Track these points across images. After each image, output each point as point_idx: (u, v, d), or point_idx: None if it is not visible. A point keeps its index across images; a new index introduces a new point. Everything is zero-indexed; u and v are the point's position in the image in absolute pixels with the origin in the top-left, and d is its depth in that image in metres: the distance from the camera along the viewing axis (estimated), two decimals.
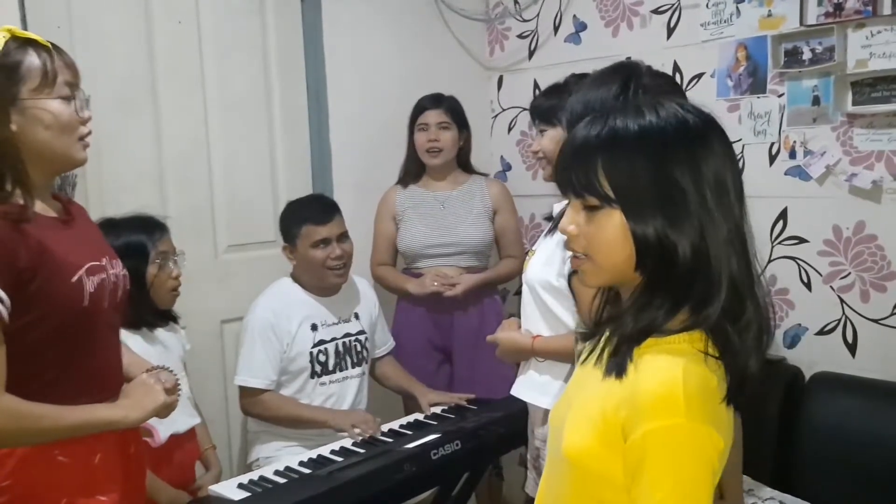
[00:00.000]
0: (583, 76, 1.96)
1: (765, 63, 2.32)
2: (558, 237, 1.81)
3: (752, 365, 0.97)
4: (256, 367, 2.26)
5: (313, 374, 2.32)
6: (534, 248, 1.89)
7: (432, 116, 2.60)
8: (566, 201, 1.85)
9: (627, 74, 1.51)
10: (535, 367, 1.85)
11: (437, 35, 3.01)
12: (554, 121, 1.83)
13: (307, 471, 1.95)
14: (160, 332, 2.02)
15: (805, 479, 2.13)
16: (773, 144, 2.35)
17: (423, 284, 2.56)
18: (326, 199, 2.43)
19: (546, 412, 1.83)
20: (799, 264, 2.33)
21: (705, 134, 0.99)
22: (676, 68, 2.54)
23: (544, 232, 1.92)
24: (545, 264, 1.79)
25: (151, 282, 1.94)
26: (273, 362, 2.27)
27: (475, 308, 2.64)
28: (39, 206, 1.38)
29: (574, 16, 2.86)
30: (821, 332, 2.31)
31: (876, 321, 2.21)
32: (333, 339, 2.36)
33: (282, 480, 1.90)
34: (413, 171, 2.69)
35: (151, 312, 1.98)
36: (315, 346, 2.32)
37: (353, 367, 2.40)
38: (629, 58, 2.62)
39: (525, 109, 3.06)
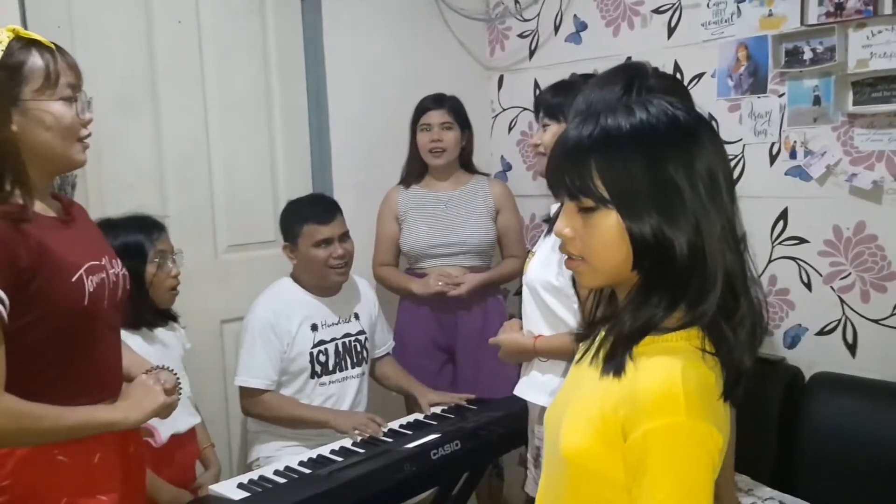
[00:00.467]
0: (588, 76, 1.96)
1: (765, 63, 2.32)
2: (554, 238, 1.81)
3: (747, 360, 0.97)
4: (257, 368, 2.26)
5: (313, 375, 2.32)
6: (534, 250, 1.89)
7: (435, 116, 2.60)
8: None
9: (632, 75, 1.50)
10: (538, 367, 1.85)
11: (438, 35, 3.01)
12: (560, 117, 1.84)
13: (307, 471, 1.95)
14: (160, 332, 2.02)
15: (805, 479, 2.13)
16: (773, 144, 2.35)
17: (427, 284, 2.56)
18: (328, 199, 2.43)
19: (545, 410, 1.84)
20: (799, 264, 2.33)
21: (696, 130, 0.99)
22: (677, 68, 2.54)
23: (543, 233, 1.92)
24: (544, 265, 1.80)
25: (150, 281, 1.94)
26: (273, 362, 2.27)
27: (479, 308, 2.64)
28: (39, 206, 1.38)
29: (575, 15, 2.85)
30: (821, 333, 2.31)
31: (876, 321, 2.21)
32: (333, 340, 2.36)
33: (282, 480, 1.90)
34: (415, 171, 2.69)
35: (151, 312, 1.98)
36: (315, 346, 2.32)
37: (352, 368, 2.40)
38: (629, 58, 2.66)
39: (526, 109, 3.06)
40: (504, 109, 3.15)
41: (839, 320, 2.28)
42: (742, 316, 0.97)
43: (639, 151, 0.96)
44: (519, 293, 3.13)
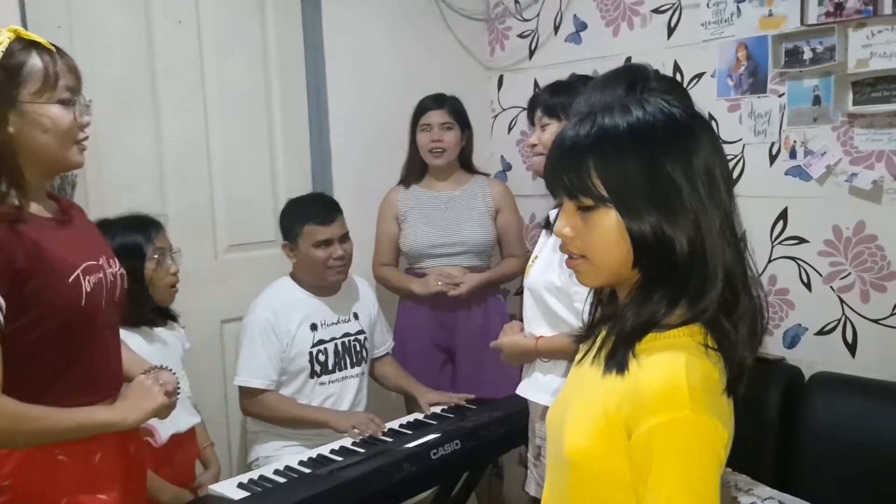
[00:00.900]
0: (586, 77, 1.96)
1: (765, 63, 2.32)
2: (555, 240, 1.81)
3: (749, 356, 0.98)
4: (256, 368, 2.26)
5: (313, 374, 2.32)
6: (535, 253, 1.89)
7: (435, 117, 2.60)
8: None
9: (633, 77, 1.50)
10: (540, 367, 1.86)
11: (438, 35, 3.01)
12: (560, 116, 1.83)
13: (307, 470, 1.95)
14: (160, 331, 2.02)
15: (804, 478, 2.13)
16: (773, 144, 2.35)
17: (427, 284, 2.56)
18: (329, 199, 2.43)
19: (546, 409, 1.84)
20: (799, 264, 2.33)
21: (692, 127, 0.99)
22: (677, 68, 2.54)
23: (543, 235, 1.92)
24: (546, 268, 1.80)
25: (150, 279, 1.94)
26: (273, 362, 2.27)
27: (479, 308, 2.64)
28: (35, 207, 1.38)
29: (574, 15, 2.85)
30: (821, 333, 2.31)
31: (876, 321, 2.21)
32: (333, 339, 2.36)
33: (281, 480, 1.90)
34: (415, 171, 2.69)
35: (151, 310, 1.98)
36: (314, 345, 2.32)
37: (352, 367, 2.40)
38: (629, 58, 2.66)
39: (525, 109, 3.05)
40: (504, 109, 3.15)
41: (839, 320, 2.28)
42: (742, 312, 0.97)
43: (636, 150, 0.96)
44: (519, 293, 3.14)
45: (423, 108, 2.63)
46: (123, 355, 1.56)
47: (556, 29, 2.92)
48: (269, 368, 2.26)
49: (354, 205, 2.56)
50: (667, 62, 2.52)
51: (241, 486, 1.87)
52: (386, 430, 2.18)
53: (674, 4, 2.56)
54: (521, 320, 1.91)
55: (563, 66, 2.80)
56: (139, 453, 1.56)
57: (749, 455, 1.64)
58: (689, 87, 2.49)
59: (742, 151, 2.40)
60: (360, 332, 2.43)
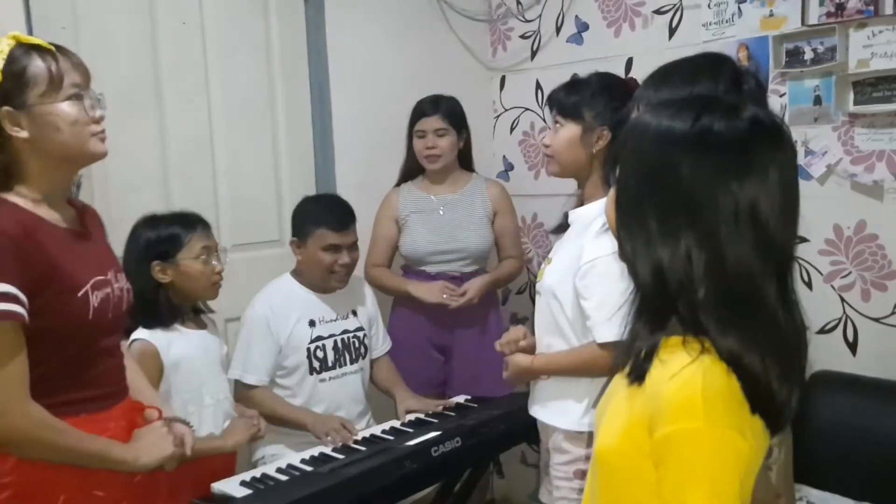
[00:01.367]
0: (606, 75, 1.92)
1: (766, 63, 2.32)
2: (569, 244, 1.80)
3: (782, 390, 0.93)
4: (251, 364, 2.28)
5: (311, 371, 2.33)
6: (550, 256, 1.87)
7: (429, 123, 2.58)
8: (581, 208, 1.82)
9: (737, 69, 1.39)
10: (542, 384, 1.86)
11: (440, 36, 3.02)
12: (575, 116, 1.79)
13: (309, 468, 1.96)
14: (201, 334, 2.04)
15: (804, 476, 2.12)
16: None
17: (433, 293, 2.55)
18: (346, 206, 2.40)
19: (546, 427, 1.85)
20: (800, 263, 2.33)
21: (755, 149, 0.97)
22: None
23: (557, 239, 1.90)
24: (558, 272, 1.78)
25: (189, 273, 1.95)
26: (267, 359, 2.29)
27: (476, 308, 2.63)
28: (54, 217, 1.40)
29: (576, 16, 2.86)
30: (821, 331, 2.31)
31: (876, 320, 2.22)
32: (331, 336, 2.37)
33: (284, 478, 1.91)
34: (413, 171, 2.70)
35: (179, 307, 1.99)
36: (312, 342, 2.33)
37: (351, 364, 2.41)
38: (631, 59, 2.67)
39: (528, 110, 3.07)
40: (506, 110, 3.16)
41: (840, 319, 2.28)
42: (760, 340, 0.93)
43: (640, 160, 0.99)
44: (520, 293, 3.15)
45: (418, 112, 2.62)
46: (137, 382, 1.60)
47: (558, 30, 2.93)
48: (262, 366, 2.28)
49: (358, 204, 2.56)
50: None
51: (243, 483, 1.88)
52: (358, 437, 2.16)
53: (675, 5, 2.57)
54: (524, 320, 1.92)
55: (564, 67, 2.82)
56: None
57: None
58: None
59: None
60: (360, 329, 2.44)
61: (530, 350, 1.85)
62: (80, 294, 1.37)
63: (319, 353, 2.35)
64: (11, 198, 1.36)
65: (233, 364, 2.29)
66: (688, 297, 0.94)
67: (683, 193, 0.93)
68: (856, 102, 2.18)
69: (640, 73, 2.06)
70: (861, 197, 2.21)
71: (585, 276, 1.68)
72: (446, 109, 2.60)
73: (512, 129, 3.14)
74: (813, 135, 2.28)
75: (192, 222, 1.99)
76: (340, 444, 2.11)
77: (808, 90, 2.27)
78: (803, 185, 2.32)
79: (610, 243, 1.46)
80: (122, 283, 1.52)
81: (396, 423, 2.30)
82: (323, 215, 2.32)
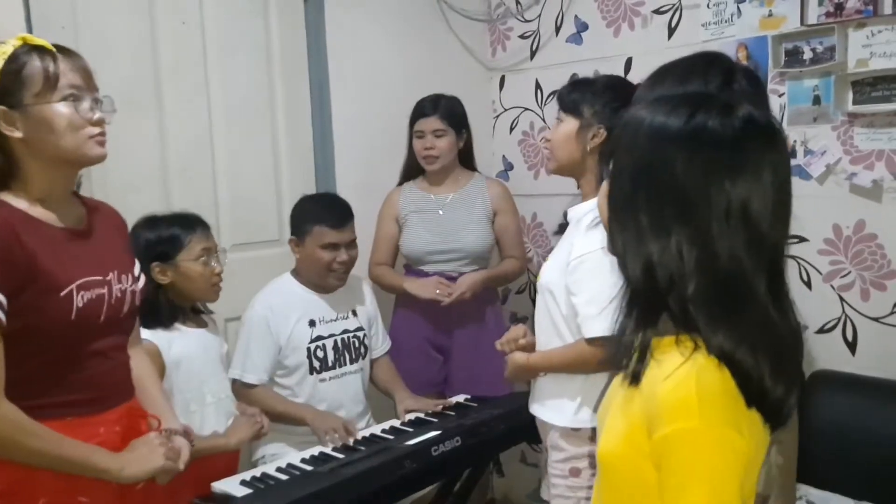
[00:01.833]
0: (614, 77, 1.92)
1: (765, 63, 2.33)
2: (565, 241, 1.81)
3: (776, 387, 0.93)
4: (250, 363, 2.28)
5: (311, 370, 2.34)
6: (550, 256, 1.89)
7: (427, 124, 2.58)
8: (577, 206, 1.84)
9: (729, 68, 1.39)
10: (541, 381, 1.88)
11: (440, 36, 3.02)
12: (575, 111, 1.82)
13: (309, 468, 1.96)
14: (201, 333, 2.04)
15: (804, 477, 2.13)
16: None
17: (426, 289, 2.56)
18: (343, 204, 2.41)
19: (544, 424, 1.86)
20: (799, 263, 2.34)
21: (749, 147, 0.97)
22: None
23: (556, 237, 1.92)
24: (553, 268, 1.81)
25: (188, 274, 1.95)
26: (267, 359, 2.29)
27: (474, 307, 2.63)
28: (50, 216, 1.40)
29: (576, 16, 2.87)
30: (821, 331, 2.32)
31: (876, 320, 2.22)
32: (332, 335, 2.38)
33: (284, 477, 1.91)
34: (415, 172, 2.70)
35: (180, 307, 2.00)
36: (313, 341, 2.33)
37: (351, 364, 2.41)
38: (630, 59, 2.67)
39: (527, 109, 3.07)
40: (506, 109, 3.16)
41: (839, 318, 2.29)
42: (749, 336, 0.92)
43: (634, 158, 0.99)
44: (520, 292, 3.15)
45: (418, 111, 2.62)
46: (146, 388, 1.59)
47: (558, 30, 2.93)
48: (261, 365, 2.29)
49: (357, 204, 2.56)
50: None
51: (243, 483, 1.88)
52: (358, 437, 2.16)
53: (674, 5, 2.57)
54: (523, 320, 1.93)
55: (564, 67, 2.83)
56: None
57: None
58: None
59: None
60: (360, 328, 2.45)
61: (530, 348, 1.87)
62: (62, 294, 1.35)
63: (319, 353, 2.35)
64: (6, 197, 1.36)
65: (232, 364, 2.29)
66: (677, 293, 0.94)
67: (676, 189, 0.93)
68: (855, 102, 2.18)
69: (639, 73, 2.08)
70: (860, 197, 2.22)
71: (575, 272, 1.71)
72: (445, 110, 2.59)
73: (511, 129, 3.14)
74: (812, 134, 2.28)
75: (191, 223, 1.99)
76: (340, 444, 2.12)
77: (807, 90, 2.27)
78: (803, 185, 2.35)
79: (599, 239, 1.47)
80: (127, 284, 1.50)
81: (396, 423, 2.30)
82: (321, 213, 2.33)
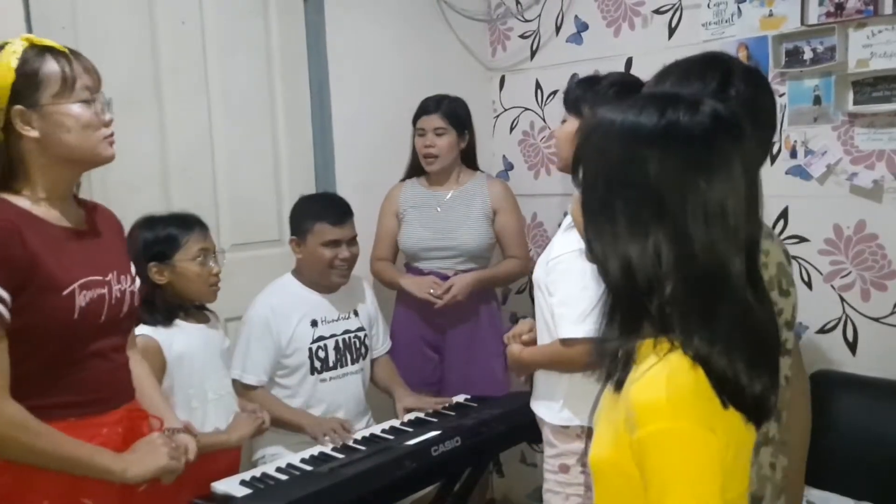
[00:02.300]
0: (621, 74, 1.92)
1: (766, 63, 2.32)
2: (557, 239, 1.83)
3: (752, 384, 0.93)
4: (250, 364, 2.28)
5: (313, 371, 2.34)
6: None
7: (429, 122, 2.59)
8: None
9: (727, 69, 1.39)
10: (539, 377, 1.89)
11: (440, 35, 3.02)
12: (576, 111, 1.83)
13: (309, 468, 1.96)
14: (202, 328, 2.04)
15: (804, 477, 2.13)
16: (774, 144, 2.35)
17: (420, 287, 2.56)
18: (342, 201, 2.42)
19: (540, 420, 1.87)
20: (800, 263, 2.34)
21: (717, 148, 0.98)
22: None
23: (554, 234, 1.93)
24: (542, 267, 1.83)
25: (186, 273, 1.95)
26: (266, 360, 2.29)
27: (470, 307, 2.62)
28: (54, 216, 1.40)
29: (576, 16, 2.86)
30: (821, 331, 2.31)
31: (876, 320, 2.22)
32: (333, 336, 2.38)
33: (284, 477, 1.92)
34: (418, 169, 2.70)
35: (181, 306, 2.00)
36: (314, 341, 2.34)
37: (352, 364, 2.41)
38: (630, 59, 2.67)
39: (528, 109, 3.07)
40: (506, 109, 3.16)
41: (839, 318, 2.28)
42: (722, 333, 0.92)
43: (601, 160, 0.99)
44: (520, 292, 3.15)
45: (421, 109, 2.63)
46: (144, 389, 1.59)
47: (558, 29, 2.93)
48: (261, 367, 2.29)
49: (357, 204, 2.57)
50: (667, 63, 2.52)
51: (243, 483, 1.88)
52: (357, 436, 2.17)
53: (674, 5, 2.57)
54: (526, 318, 1.94)
55: (564, 67, 2.83)
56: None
57: None
58: None
59: None
60: (361, 328, 2.45)
61: (531, 343, 1.88)
62: (64, 293, 1.35)
63: (321, 353, 2.35)
64: (8, 195, 1.36)
65: (233, 364, 2.29)
66: (657, 294, 0.94)
67: (651, 189, 0.93)
68: (855, 102, 2.18)
69: (639, 74, 2.07)
70: (861, 197, 2.21)
71: (551, 272, 1.75)
72: (447, 109, 2.60)
73: (511, 129, 3.14)
74: (812, 135, 2.28)
75: (189, 224, 1.99)
76: (340, 443, 2.12)
77: (807, 90, 2.27)
78: (803, 185, 2.35)
79: (575, 239, 1.49)
80: (126, 284, 1.51)
81: (396, 423, 2.30)
82: (321, 211, 2.33)
